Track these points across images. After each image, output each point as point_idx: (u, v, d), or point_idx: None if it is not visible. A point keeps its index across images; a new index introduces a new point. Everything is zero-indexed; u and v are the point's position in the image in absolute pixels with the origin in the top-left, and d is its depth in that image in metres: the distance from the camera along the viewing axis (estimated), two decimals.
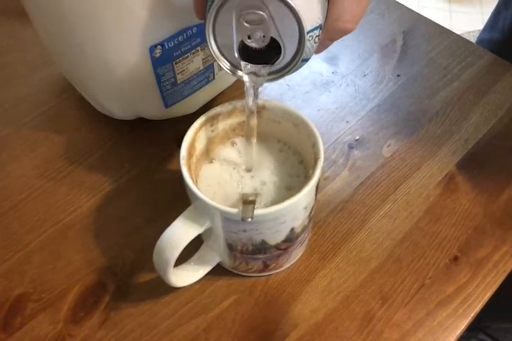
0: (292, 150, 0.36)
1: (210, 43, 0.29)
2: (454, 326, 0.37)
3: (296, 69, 0.29)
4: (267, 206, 0.33)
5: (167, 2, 0.35)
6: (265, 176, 0.35)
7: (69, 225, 0.42)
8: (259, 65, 0.29)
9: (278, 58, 0.28)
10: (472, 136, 0.47)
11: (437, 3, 1.74)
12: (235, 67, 0.30)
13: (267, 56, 0.28)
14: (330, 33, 0.28)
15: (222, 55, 0.29)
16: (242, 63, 0.29)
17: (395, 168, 0.45)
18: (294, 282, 0.39)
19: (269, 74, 0.29)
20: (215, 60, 0.30)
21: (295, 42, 0.27)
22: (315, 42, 0.28)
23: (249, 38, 0.27)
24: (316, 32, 0.27)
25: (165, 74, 0.40)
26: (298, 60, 0.28)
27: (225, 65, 0.30)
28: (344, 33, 0.28)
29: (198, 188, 0.31)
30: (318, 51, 0.30)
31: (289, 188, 0.35)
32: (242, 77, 0.30)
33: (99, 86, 0.41)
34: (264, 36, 0.27)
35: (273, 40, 0.27)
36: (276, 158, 0.36)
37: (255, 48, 0.28)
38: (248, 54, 0.29)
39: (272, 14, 0.26)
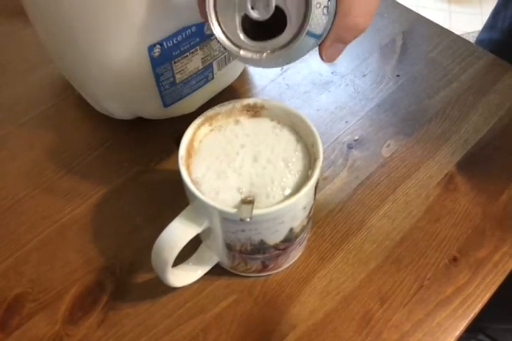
0: (288, 129, 0.35)
1: (211, 18, 0.27)
2: (453, 327, 0.37)
3: (303, 50, 0.27)
4: (262, 178, 0.32)
5: (166, 1, 0.34)
6: (260, 150, 0.33)
7: (67, 225, 0.42)
8: (263, 41, 0.27)
9: (283, 30, 0.26)
10: (472, 137, 0.47)
11: (437, 3, 1.74)
12: (238, 46, 0.28)
13: (271, 32, 0.27)
14: (340, 31, 0.27)
15: (224, 34, 0.28)
16: (245, 39, 0.27)
17: (395, 168, 0.45)
18: (292, 282, 0.39)
19: (274, 50, 0.27)
20: (216, 38, 0.27)
21: (301, 9, 0.25)
22: (323, 14, 0.26)
23: (252, 8, 0.26)
24: (325, 0, 0.25)
25: (164, 74, 0.40)
26: (304, 30, 0.26)
27: (226, 42, 0.28)
28: (356, 30, 0.27)
29: (195, 185, 0.31)
30: (332, 58, 0.29)
31: (285, 161, 0.33)
32: (244, 55, 0.28)
33: (98, 85, 0.41)
34: (268, 5, 0.25)
35: (277, 15, 0.26)
36: (270, 134, 0.34)
37: (259, 23, 0.26)
38: (252, 33, 0.27)
39: None
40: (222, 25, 0.28)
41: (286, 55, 0.28)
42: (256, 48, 0.27)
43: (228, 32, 0.28)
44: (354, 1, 0.26)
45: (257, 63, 0.29)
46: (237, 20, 0.27)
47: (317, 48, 0.29)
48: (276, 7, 0.26)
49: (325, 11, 0.26)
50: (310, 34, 0.26)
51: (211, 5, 0.27)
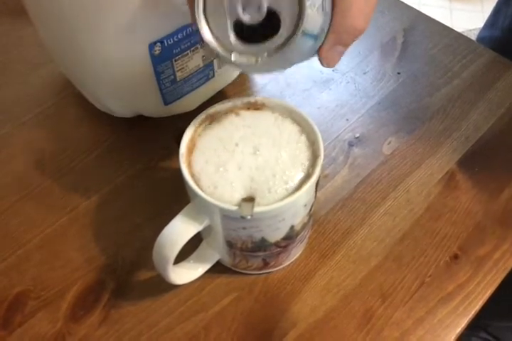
0: (290, 121, 0.34)
1: (201, 24, 0.26)
2: (455, 324, 0.37)
3: (300, 52, 0.26)
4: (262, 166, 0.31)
5: None
6: (261, 142, 0.32)
7: (68, 224, 0.42)
8: (257, 44, 0.26)
9: (277, 33, 0.25)
10: (473, 134, 0.47)
11: (438, 0, 1.74)
12: (230, 51, 0.27)
13: (264, 36, 0.26)
14: (339, 34, 0.27)
15: (216, 38, 0.26)
16: (238, 43, 0.26)
17: (396, 166, 0.45)
18: (293, 280, 0.39)
19: (270, 53, 0.26)
20: (204, 45, 0.26)
21: (295, 9, 0.24)
22: (318, 13, 0.25)
23: (243, 12, 0.25)
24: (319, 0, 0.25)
25: (164, 72, 0.40)
26: (299, 30, 0.25)
27: (216, 47, 0.27)
28: (354, 31, 0.27)
29: (197, 184, 0.31)
30: (332, 62, 0.29)
31: (288, 153, 0.32)
32: (237, 60, 0.26)
33: (99, 83, 0.41)
34: (260, 8, 0.24)
35: (270, 17, 0.25)
36: (272, 125, 0.33)
37: (252, 29, 0.25)
38: (245, 36, 0.26)
39: None
40: (213, 30, 0.26)
41: (282, 59, 0.27)
42: (250, 52, 0.26)
43: (220, 37, 0.27)
44: (352, 3, 0.26)
45: (253, 68, 0.28)
46: (229, 25, 0.26)
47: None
48: (269, 10, 0.25)
49: (320, 9, 0.25)
50: (306, 34, 0.26)
51: (200, 9, 0.26)
